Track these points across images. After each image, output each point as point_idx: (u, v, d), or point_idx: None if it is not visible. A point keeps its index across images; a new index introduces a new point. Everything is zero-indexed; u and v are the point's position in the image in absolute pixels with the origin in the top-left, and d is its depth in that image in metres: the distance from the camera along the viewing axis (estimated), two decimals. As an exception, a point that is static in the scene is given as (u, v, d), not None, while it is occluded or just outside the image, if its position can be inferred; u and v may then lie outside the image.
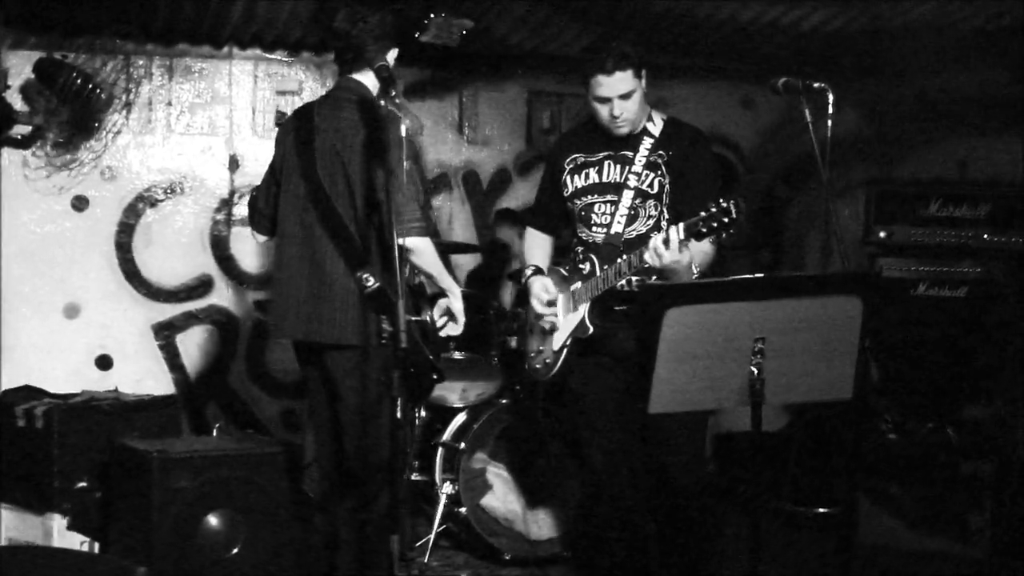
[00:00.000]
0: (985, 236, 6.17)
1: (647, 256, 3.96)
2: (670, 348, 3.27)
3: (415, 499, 5.87)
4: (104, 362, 6.57)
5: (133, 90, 6.60)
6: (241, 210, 6.67)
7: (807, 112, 3.89)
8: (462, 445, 5.46)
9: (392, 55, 4.29)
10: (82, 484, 5.14)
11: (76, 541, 5.09)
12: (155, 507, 4.59)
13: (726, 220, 3.73)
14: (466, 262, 7.15)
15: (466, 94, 7.32)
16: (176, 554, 4.60)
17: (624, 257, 4.19)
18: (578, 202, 4.45)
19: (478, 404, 5.75)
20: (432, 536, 5.50)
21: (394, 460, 3.87)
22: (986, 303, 6.14)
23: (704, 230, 3.79)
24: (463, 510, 5.43)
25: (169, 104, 6.71)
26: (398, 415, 3.65)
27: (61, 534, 5.12)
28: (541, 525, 5.50)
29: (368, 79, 4.30)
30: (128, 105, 6.59)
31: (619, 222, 4.34)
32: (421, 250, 4.21)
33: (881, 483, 6.01)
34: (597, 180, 4.41)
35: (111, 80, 6.48)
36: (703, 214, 3.78)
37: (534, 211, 4.80)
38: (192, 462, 4.70)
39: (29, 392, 5.61)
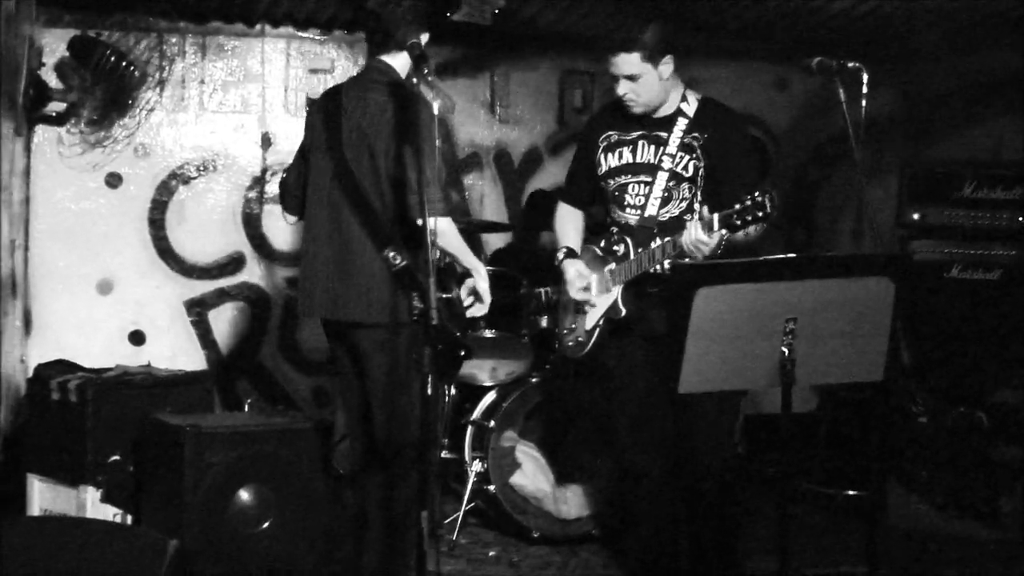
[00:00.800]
0: (1019, 219, 6.12)
1: (687, 250, 3.98)
2: (701, 328, 3.26)
3: (444, 477, 5.89)
4: (137, 338, 6.63)
5: (166, 68, 6.63)
6: (273, 188, 6.71)
7: (841, 92, 3.86)
8: (492, 423, 5.47)
9: (424, 38, 4.29)
10: (115, 458, 5.18)
11: (109, 513, 5.13)
12: (187, 481, 4.62)
13: (760, 213, 3.75)
14: (497, 241, 7.16)
15: (498, 73, 7.31)
16: (207, 528, 4.64)
17: (658, 242, 4.19)
18: (611, 182, 4.44)
19: (508, 383, 5.76)
20: (461, 514, 5.52)
21: (424, 437, 3.88)
22: (1019, 286, 6.09)
23: (739, 222, 3.81)
24: (492, 488, 5.45)
25: (202, 82, 6.74)
26: (428, 392, 3.67)
27: (94, 506, 5.15)
28: (570, 504, 5.52)
29: (398, 60, 4.30)
30: (161, 83, 6.61)
31: (653, 204, 4.33)
32: (443, 230, 4.19)
33: (911, 466, 5.99)
34: (631, 160, 4.40)
35: (144, 58, 6.51)
36: (738, 206, 3.80)
37: (566, 187, 4.79)
38: (224, 437, 4.73)
39: (63, 366, 5.65)
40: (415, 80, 4.09)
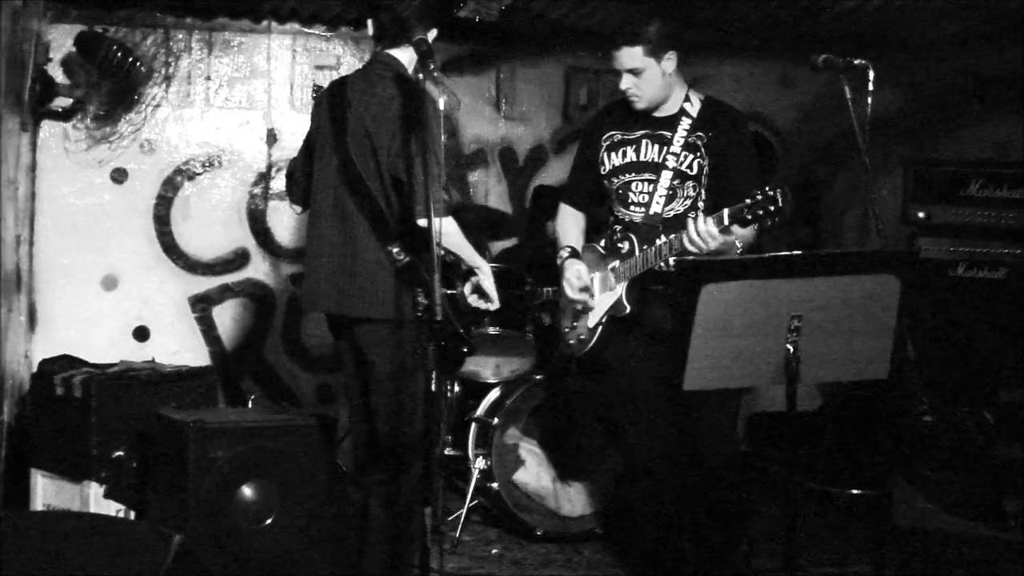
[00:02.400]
0: (1026, 217, 6.10)
1: (688, 246, 3.96)
2: (706, 324, 3.25)
3: (448, 474, 5.89)
4: (141, 333, 6.63)
5: (172, 64, 6.64)
6: (278, 184, 6.72)
7: (847, 89, 3.85)
8: (495, 420, 5.47)
9: (432, 35, 4.28)
10: (119, 453, 5.19)
11: (113, 509, 5.14)
12: (191, 477, 4.61)
13: (772, 208, 3.72)
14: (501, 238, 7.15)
15: (503, 70, 7.30)
16: (210, 523, 4.63)
17: (664, 239, 4.18)
18: (615, 180, 4.43)
19: (512, 380, 5.76)
20: (464, 511, 5.52)
21: (427, 433, 3.87)
22: (1024, 285, 6.07)
23: (749, 217, 3.79)
24: (495, 485, 5.45)
25: (208, 78, 6.74)
26: (432, 388, 3.66)
27: (98, 502, 5.16)
28: (573, 501, 5.51)
29: (404, 55, 4.29)
30: (167, 79, 6.63)
31: (657, 202, 4.32)
32: (446, 231, 4.18)
33: (916, 465, 5.97)
34: (635, 159, 4.39)
35: (151, 54, 6.53)
36: (748, 201, 3.77)
37: (568, 187, 4.78)
38: (228, 433, 4.72)
39: (67, 361, 5.65)
40: (420, 76, 4.08)
